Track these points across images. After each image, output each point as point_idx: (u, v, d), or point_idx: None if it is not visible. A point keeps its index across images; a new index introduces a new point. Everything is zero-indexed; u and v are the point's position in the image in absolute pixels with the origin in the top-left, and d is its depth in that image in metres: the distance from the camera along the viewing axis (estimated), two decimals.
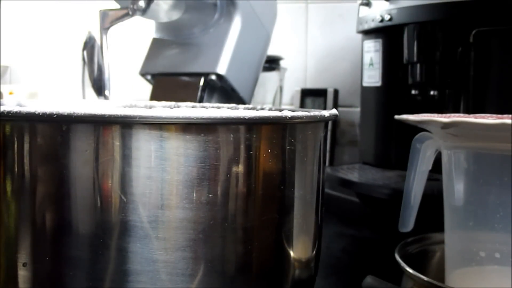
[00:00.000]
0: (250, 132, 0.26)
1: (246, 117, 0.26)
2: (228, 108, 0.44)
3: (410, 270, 0.37)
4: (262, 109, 0.42)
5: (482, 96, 0.64)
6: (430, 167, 0.40)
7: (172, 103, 0.45)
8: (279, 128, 0.28)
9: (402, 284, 0.38)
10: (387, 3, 0.68)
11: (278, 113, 0.28)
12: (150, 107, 0.44)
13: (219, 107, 0.45)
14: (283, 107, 0.62)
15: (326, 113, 0.31)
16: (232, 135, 0.26)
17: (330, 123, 0.34)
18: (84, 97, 0.77)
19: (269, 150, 0.27)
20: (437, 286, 0.35)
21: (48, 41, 1.11)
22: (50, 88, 1.11)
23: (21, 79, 1.17)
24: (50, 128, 0.24)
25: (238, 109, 0.44)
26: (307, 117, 0.29)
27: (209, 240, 0.26)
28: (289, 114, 0.28)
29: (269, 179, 0.28)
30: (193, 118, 0.24)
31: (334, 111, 0.32)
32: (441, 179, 0.39)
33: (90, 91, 0.72)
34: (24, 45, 1.13)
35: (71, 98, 0.99)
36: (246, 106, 0.45)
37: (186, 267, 0.25)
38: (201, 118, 0.25)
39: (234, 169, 0.26)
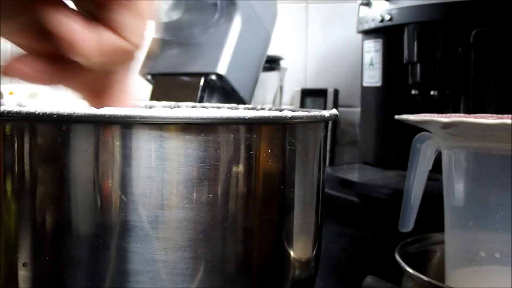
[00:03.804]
0: (250, 132, 0.26)
1: (246, 117, 0.26)
2: (228, 108, 0.44)
3: (410, 270, 0.37)
4: (262, 109, 0.42)
5: (482, 96, 0.64)
6: (430, 167, 0.40)
7: (173, 103, 0.45)
8: (279, 128, 0.28)
9: (402, 284, 0.38)
10: (387, 3, 0.68)
11: (278, 113, 0.28)
12: (150, 107, 0.44)
13: (219, 107, 0.45)
14: (283, 107, 0.62)
15: (326, 113, 0.31)
16: (232, 135, 0.26)
17: (330, 123, 0.34)
18: None
19: (269, 150, 0.27)
20: (437, 286, 0.35)
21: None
22: (50, 88, 1.11)
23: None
24: (50, 128, 0.24)
25: (238, 109, 0.44)
26: (307, 117, 0.29)
27: (209, 240, 0.26)
28: (289, 114, 0.28)
29: (269, 179, 0.28)
30: (193, 118, 0.24)
31: (334, 111, 0.32)
32: (441, 179, 0.39)
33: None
34: None
35: (71, 98, 0.99)
36: (246, 106, 0.45)
37: (186, 267, 0.25)
38: (201, 118, 0.25)
39: (234, 169, 0.26)
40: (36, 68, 0.27)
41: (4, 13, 0.26)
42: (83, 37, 0.24)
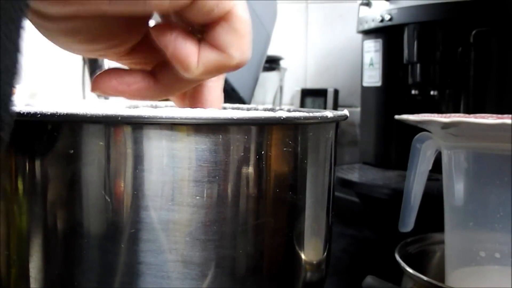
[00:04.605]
0: (261, 133, 0.26)
1: (258, 118, 0.26)
2: (235, 108, 0.44)
3: (410, 270, 0.37)
4: (272, 109, 0.42)
5: (482, 96, 0.64)
6: (430, 167, 0.40)
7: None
8: (290, 129, 0.28)
9: (402, 284, 0.39)
10: (387, 3, 0.68)
11: (289, 114, 0.28)
12: (156, 107, 0.44)
13: (238, 108, 0.44)
14: (283, 107, 0.62)
15: (337, 113, 0.31)
16: (243, 136, 0.26)
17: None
18: (84, 97, 0.77)
19: (280, 151, 0.27)
20: (437, 286, 0.35)
21: (48, 41, 1.11)
22: (50, 88, 1.11)
23: (21, 79, 1.17)
24: (61, 128, 0.24)
25: (250, 109, 0.44)
26: (320, 117, 0.29)
27: (220, 241, 0.26)
28: (301, 115, 0.28)
29: (280, 180, 0.27)
30: (204, 119, 0.24)
31: (345, 111, 0.32)
32: (441, 179, 0.39)
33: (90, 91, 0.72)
34: (24, 45, 1.13)
35: (73, 98, 0.99)
36: (265, 107, 0.45)
37: (196, 268, 0.25)
38: (213, 119, 0.25)
39: (246, 170, 0.26)
40: (129, 81, 0.28)
41: (120, 38, 0.27)
42: (192, 55, 0.25)
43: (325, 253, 0.32)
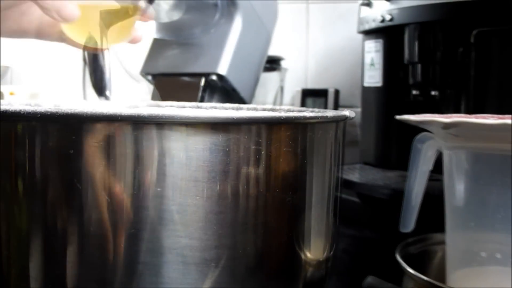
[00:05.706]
0: (261, 133, 0.26)
1: (258, 118, 0.26)
2: (247, 109, 0.44)
3: (411, 271, 0.37)
4: (273, 109, 0.42)
5: (482, 96, 0.64)
6: (431, 168, 0.40)
7: (194, 104, 0.45)
8: (290, 129, 0.28)
9: (403, 285, 0.38)
10: (388, 3, 0.68)
11: (290, 114, 0.28)
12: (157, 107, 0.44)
13: (239, 108, 0.44)
14: (284, 107, 0.62)
15: (337, 113, 0.31)
16: (243, 136, 0.25)
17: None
18: (85, 97, 0.77)
19: (280, 151, 0.27)
20: (438, 286, 0.35)
21: (48, 42, 1.11)
22: (51, 89, 1.11)
23: (22, 80, 1.17)
24: (61, 127, 0.24)
25: (257, 109, 0.44)
26: (329, 117, 0.29)
27: (220, 241, 0.26)
28: (301, 115, 0.28)
29: (280, 180, 0.27)
30: (204, 119, 0.24)
31: (348, 112, 0.32)
32: (442, 180, 0.39)
33: (91, 92, 0.72)
34: (24, 46, 1.13)
35: (75, 98, 0.99)
36: (265, 107, 0.45)
37: (198, 267, 0.25)
38: (213, 119, 0.25)
39: (246, 170, 0.26)
40: None
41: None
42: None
43: (326, 253, 0.32)
